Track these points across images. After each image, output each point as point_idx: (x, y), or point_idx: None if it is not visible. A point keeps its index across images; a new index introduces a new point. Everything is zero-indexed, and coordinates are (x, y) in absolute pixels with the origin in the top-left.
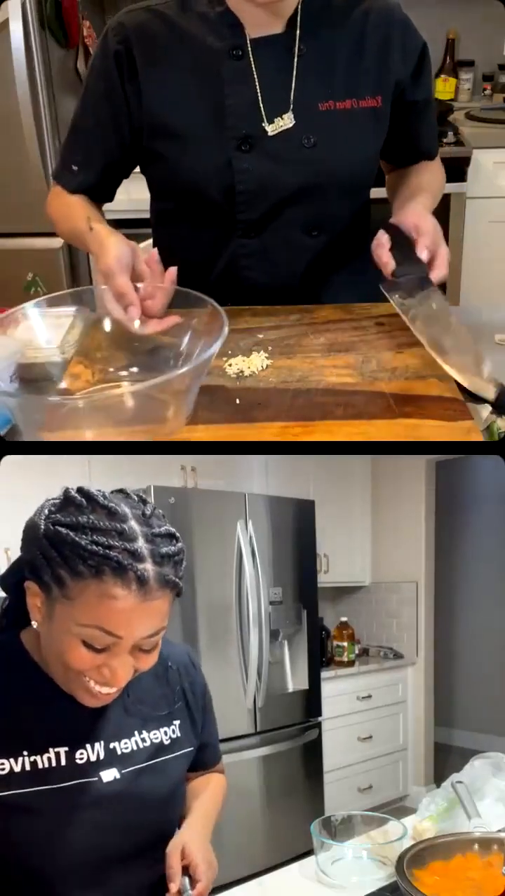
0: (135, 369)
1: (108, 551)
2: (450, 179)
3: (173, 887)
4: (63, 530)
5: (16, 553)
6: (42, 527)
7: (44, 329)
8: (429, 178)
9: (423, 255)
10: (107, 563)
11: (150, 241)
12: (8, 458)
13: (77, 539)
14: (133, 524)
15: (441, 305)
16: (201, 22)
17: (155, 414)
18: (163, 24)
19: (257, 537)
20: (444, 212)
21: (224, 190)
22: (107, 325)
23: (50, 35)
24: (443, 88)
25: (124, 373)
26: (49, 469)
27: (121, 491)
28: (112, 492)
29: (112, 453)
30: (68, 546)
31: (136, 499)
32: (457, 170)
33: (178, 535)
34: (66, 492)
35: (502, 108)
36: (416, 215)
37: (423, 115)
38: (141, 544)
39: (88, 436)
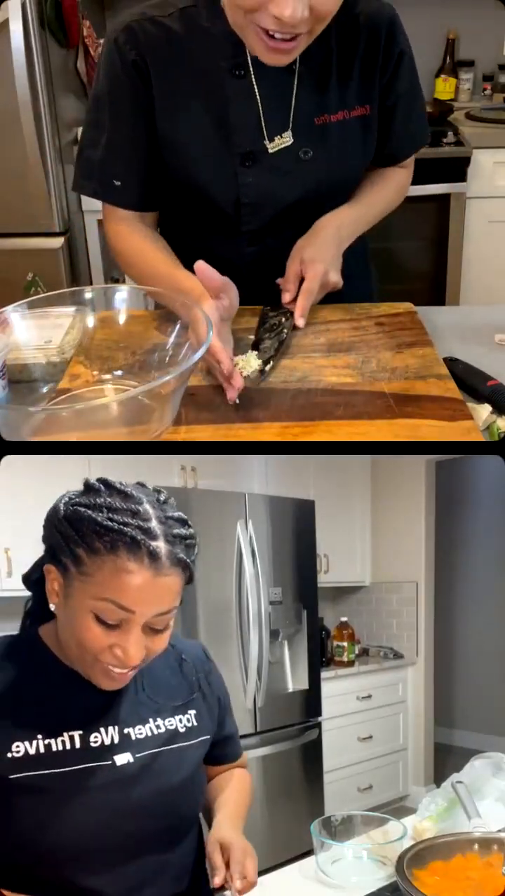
0: (134, 368)
1: (122, 527)
2: (450, 179)
3: (217, 881)
4: (81, 509)
5: (15, 553)
6: (62, 510)
7: (23, 330)
8: (370, 191)
9: (284, 296)
10: (121, 538)
11: None
12: (8, 458)
13: (94, 516)
14: (147, 507)
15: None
16: (205, 38)
17: (140, 418)
18: (169, 39)
19: (257, 537)
20: (444, 212)
21: (230, 202)
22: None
23: (50, 35)
24: (443, 88)
25: (121, 372)
26: (49, 469)
27: (139, 483)
28: (132, 483)
29: (112, 453)
30: (85, 523)
31: (151, 489)
32: (457, 170)
33: (190, 522)
34: (87, 480)
35: (502, 108)
36: (301, 248)
37: (392, 120)
38: (154, 524)
39: (74, 439)
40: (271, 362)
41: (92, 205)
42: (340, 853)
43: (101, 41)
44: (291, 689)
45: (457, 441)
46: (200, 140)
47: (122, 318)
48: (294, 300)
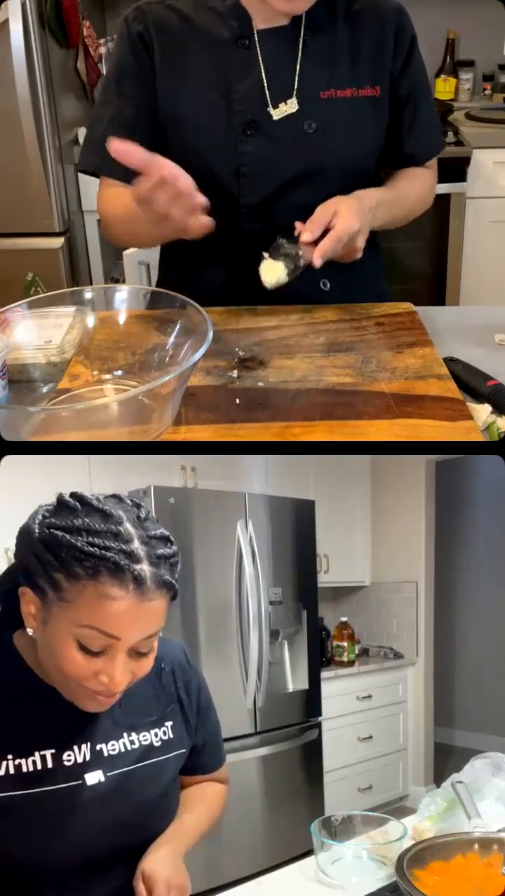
0: (134, 368)
1: (104, 552)
2: (450, 179)
3: None
4: (59, 533)
5: None
6: (37, 531)
7: (23, 330)
8: (404, 182)
9: (304, 236)
10: (103, 563)
11: None
12: (8, 458)
13: (73, 541)
14: (128, 526)
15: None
16: (213, 16)
17: (140, 418)
18: (178, 19)
19: (257, 537)
20: (444, 212)
21: (230, 172)
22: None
23: (50, 35)
24: (443, 88)
25: (121, 372)
26: (49, 469)
27: (115, 496)
28: (106, 496)
29: (112, 453)
30: (64, 548)
31: (129, 503)
32: (457, 170)
33: (172, 538)
34: (60, 496)
35: (502, 108)
36: (338, 201)
37: (409, 113)
38: (137, 546)
39: (74, 439)
40: (290, 277)
41: (92, 205)
42: (339, 853)
43: (102, 41)
44: (290, 689)
45: (457, 441)
46: (202, 109)
47: (122, 318)
48: (314, 243)
